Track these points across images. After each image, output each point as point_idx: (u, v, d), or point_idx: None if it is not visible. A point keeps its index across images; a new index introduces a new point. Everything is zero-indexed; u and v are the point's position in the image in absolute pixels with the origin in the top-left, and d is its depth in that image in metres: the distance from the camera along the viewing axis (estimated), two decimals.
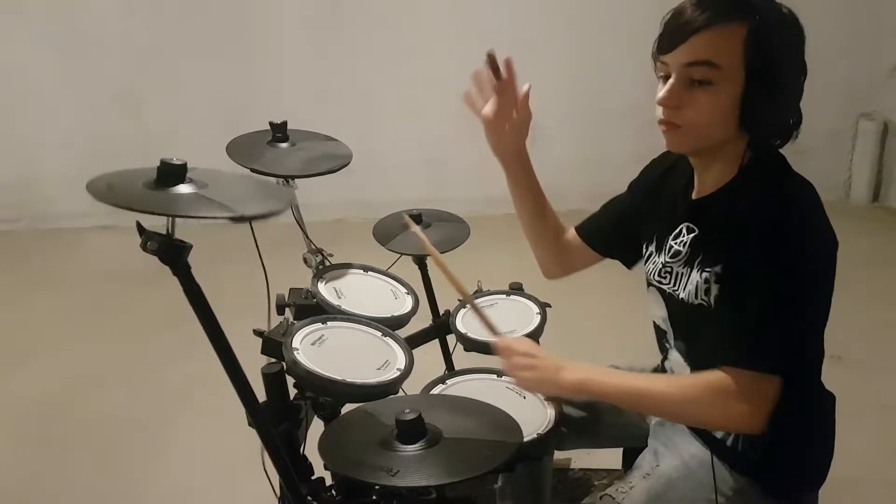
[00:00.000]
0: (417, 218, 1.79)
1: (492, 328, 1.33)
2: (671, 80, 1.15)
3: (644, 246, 1.39)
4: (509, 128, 1.33)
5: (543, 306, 1.68)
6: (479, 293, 1.75)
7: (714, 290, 1.18)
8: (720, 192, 1.21)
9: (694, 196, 1.27)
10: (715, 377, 1.11)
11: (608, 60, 3.94)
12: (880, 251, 3.59)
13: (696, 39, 1.11)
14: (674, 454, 1.34)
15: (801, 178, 1.18)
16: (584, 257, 1.54)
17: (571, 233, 1.56)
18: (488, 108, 1.34)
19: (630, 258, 1.47)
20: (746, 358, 1.10)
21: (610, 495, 1.29)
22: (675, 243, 1.29)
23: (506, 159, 1.40)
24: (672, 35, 1.14)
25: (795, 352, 1.11)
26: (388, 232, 1.77)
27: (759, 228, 1.10)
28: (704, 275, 1.20)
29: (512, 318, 1.64)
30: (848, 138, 4.30)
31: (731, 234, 1.14)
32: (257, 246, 1.20)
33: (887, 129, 4.21)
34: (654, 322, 1.38)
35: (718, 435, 1.29)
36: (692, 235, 1.26)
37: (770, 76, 1.10)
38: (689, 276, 1.24)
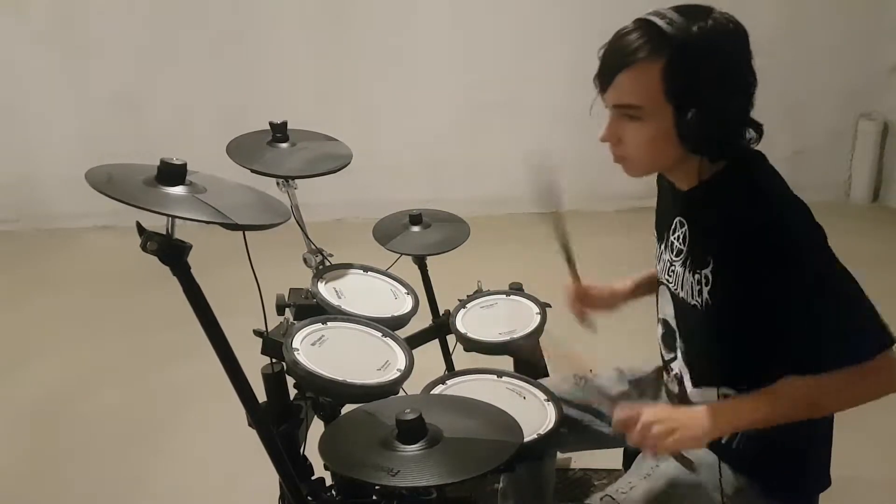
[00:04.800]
0: (417, 218, 1.79)
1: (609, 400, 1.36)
2: (608, 119, 1.19)
3: (657, 245, 1.40)
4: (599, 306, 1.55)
5: (543, 306, 1.68)
6: (479, 293, 1.75)
7: (705, 293, 1.19)
8: (700, 187, 1.21)
9: (678, 189, 1.28)
10: (825, 381, 1.10)
11: None
12: (880, 251, 3.58)
13: (616, 82, 1.13)
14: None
15: (774, 172, 1.19)
16: None
17: None
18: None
19: None
20: (842, 355, 1.09)
21: (610, 495, 1.29)
22: (674, 238, 1.31)
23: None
24: (598, 78, 1.17)
25: (878, 323, 1.10)
26: (388, 232, 1.77)
27: (754, 235, 1.10)
28: (696, 276, 1.21)
29: (512, 318, 1.64)
30: (848, 138, 4.29)
31: (714, 237, 1.16)
32: (249, 256, 1.20)
33: (887, 129, 4.21)
34: (665, 319, 1.38)
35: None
36: (683, 230, 1.28)
37: (700, 99, 1.09)
38: (684, 276, 1.26)
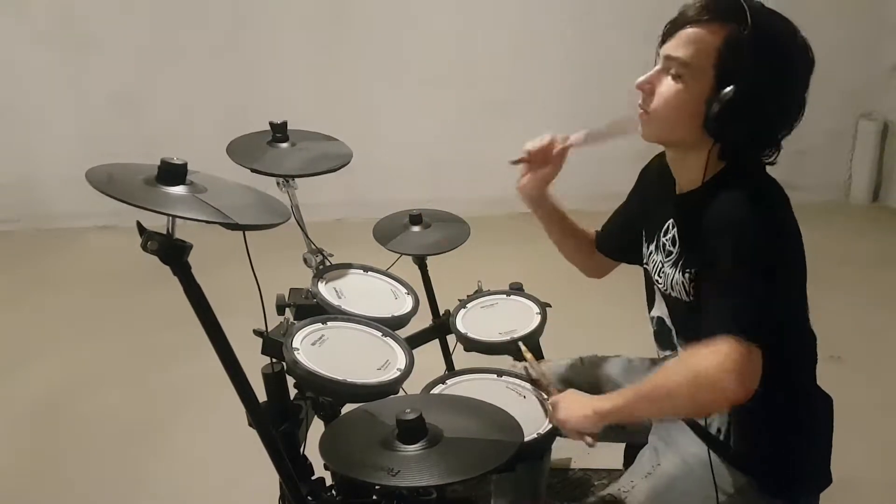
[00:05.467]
0: (417, 218, 1.79)
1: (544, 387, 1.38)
2: (654, 68, 1.19)
3: (645, 245, 1.40)
4: (536, 177, 1.48)
5: (543, 306, 1.68)
6: (479, 293, 1.75)
7: (691, 289, 1.21)
8: (696, 191, 1.22)
9: (676, 191, 1.30)
10: (700, 352, 1.10)
11: (609, 60, 3.94)
12: (880, 251, 3.58)
13: (679, 35, 1.15)
14: (675, 452, 1.34)
15: (770, 179, 1.19)
16: (609, 263, 1.60)
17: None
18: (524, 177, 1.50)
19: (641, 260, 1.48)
20: (724, 327, 1.08)
21: (611, 494, 1.29)
22: (666, 240, 1.31)
23: (527, 201, 1.53)
24: (666, 29, 1.18)
25: (769, 323, 1.09)
26: (388, 232, 1.77)
27: (722, 230, 1.12)
28: (687, 274, 1.23)
29: (512, 318, 1.64)
30: (848, 138, 4.30)
31: (701, 238, 1.16)
32: (249, 256, 1.20)
33: (887, 129, 4.21)
34: (660, 319, 1.38)
35: (717, 432, 1.29)
36: (674, 231, 1.28)
37: (743, 83, 1.09)
38: (674, 276, 1.27)
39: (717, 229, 1.13)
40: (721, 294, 1.11)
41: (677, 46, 1.15)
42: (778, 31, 1.12)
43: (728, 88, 1.10)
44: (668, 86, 1.16)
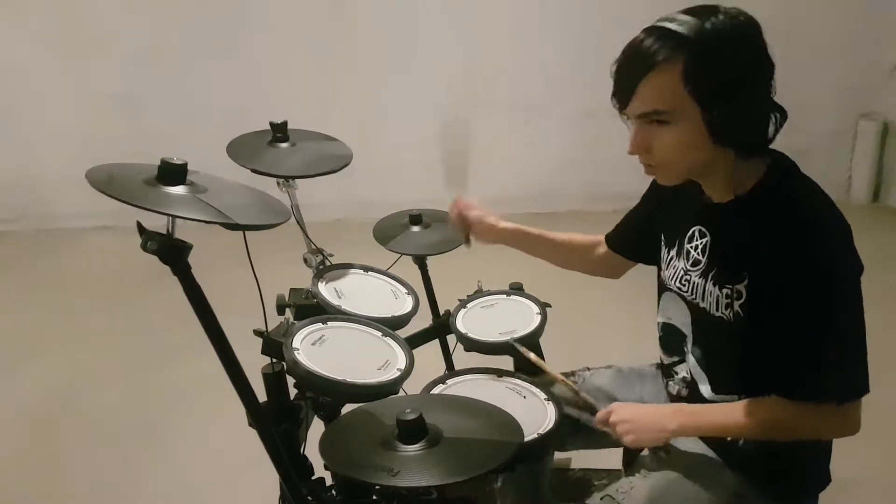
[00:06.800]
0: (417, 218, 1.79)
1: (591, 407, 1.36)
2: (633, 130, 1.17)
3: (665, 250, 1.39)
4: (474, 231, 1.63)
5: (543, 306, 1.68)
6: (479, 293, 1.75)
7: (736, 306, 1.19)
8: (734, 201, 1.21)
9: (706, 200, 1.27)
10: (799, 409, 1.15)
11: (609, 61, 3.92)
12: (880, 251, 3.58)
13: (638, 92, 1.12)
14: (675, 453, 1.33)
15: (816, 189, 1.19)
16: (624, 262, 1.58)
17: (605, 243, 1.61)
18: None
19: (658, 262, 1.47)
20: (827, 391, 1.13)
21: (610, 495, 1.29)
22: (690, 247, 1.29)
23: (489, 242, 1.63)
24: (617, 94, 1.16)
25: (865, 372, 1.15)
26: (388, 232, 1.77)
27: (793, 256, 1.10)
28: (725, 290, 1.20)
29: (512, 318, 1.64)
30: (848, 138, 4.29)
31: (754, 255, 1.15)
32: (249, 256, 1.20)
33: (887, 129, 4.21)
34: (670, 324, 1.37)
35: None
36: (704, 240, 1.26)
37: (724, 92, 1.08)
38: (706, 287, 1.25)
39: (792, 261, 1.10)
40: (810, 353, 1.13)
41: (645, 102, 1.12)
42: (712, 25, 1.09)
43: (718, 106, 1.09)
44: (661, 135, 1.14)
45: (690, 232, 1.30)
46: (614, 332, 2.89)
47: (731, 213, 1.21)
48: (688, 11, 1.11)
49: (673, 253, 1.35)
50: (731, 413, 1.20)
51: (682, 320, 1.34)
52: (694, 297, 1.28)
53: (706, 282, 1.24)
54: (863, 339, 1.14)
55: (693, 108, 1.10)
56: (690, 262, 1.29)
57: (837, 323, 1.12)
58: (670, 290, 1.35)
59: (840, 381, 1.14)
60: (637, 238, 1.51)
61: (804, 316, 1.11)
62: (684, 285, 1.30)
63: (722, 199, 1.23)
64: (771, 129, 1.16)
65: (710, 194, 1.25)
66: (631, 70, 1.13)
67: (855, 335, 1.14)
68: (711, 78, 1.08)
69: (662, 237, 1.40)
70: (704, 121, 1.10)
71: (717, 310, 1.22)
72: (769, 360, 1.16)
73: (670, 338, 1.37)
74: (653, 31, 1.12)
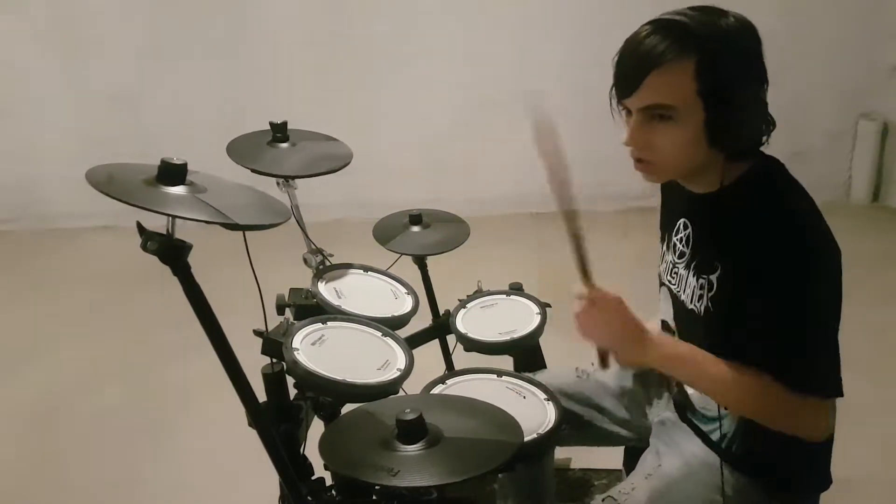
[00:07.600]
0: (417, 218, 1.79)
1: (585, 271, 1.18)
2: (633, 122, 1.15)
3: (661, 246, 1.40)
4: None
5: (543, 306, 1.68)
6: (479, 293, 1.75)
7: (706, 299, 1.19)
8: (714, 192, 1.20)
9: (688, 192, 1.27)
10: (775, 389, 1.11)
11: (610, 61, 3.93)
12: (880, 251, 3.58)
13: (646, 83, 1.10)
14: (676, 454, 1.34)
15: (799, 186, 1.18)
16: None
17: None
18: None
19: None
20: (801, 383, 1.10)
21: (612, 497, 1.29)
22: (677, 240, 1.30)
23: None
24: (623, 83, 1.14)
25: (838, 369, 1.12)
26: (388, 232, 1.77)
27: (767, 246, 1.10)
28: (701, 281, 1.21)
29: (512, 318, 1.64)
30: (848, 138, 4.29)
31: (729, 245, 1.14)
32: (249, 256, 1.20)
33: (887, 129, 4.21)
34: (665, 321, 1.38)
35: (716, 436, 1.29)
36: (687, 232, 1.27)
37: (728, 97, 1.08)
38: (687, 279, 1.25)
39: (766, 250, 1.10)
40: (779, 342, 1.11)
41: (652, 94, 1.11)
42: (726, 26, 1.09)
43: (723, 109, 1.08)
44: (662, 131, 1.13)
45: (677, 225, 1.31)
46: None
47: (710, 203, 1.20)
48: (697, 10, 1.11)
49: (664, 247, 1.36)
50: (717, 359, 1.16)
51: (670, 315, 1.34)
52: (679, 289, 1.29)
53: (689, 273, 1.25)
54: (835, 335, 1.12)
55: (698, 108, 1.10)
56: (677, 254, 1.30)
57: (817, 317, 1.10)
58: (664, 284, 1.36)
59: (818, 375, 1.11)
60: None
61: (784, 310, 1.10)
62: (673, 278, 1.31)
63: (706, 188, 1.23)
64: (763, 137, 1.16)
65: (692, 189, 1.25)
66: (639, 62, 1.11)
67: (832, 330, 1.12)
68: (722, 80, 1.08)
69: (659, 234, 1.41)
70: (705, 121, 1.10)
71: (691, 302, 1.23)
72: (740, 356, 1.14)
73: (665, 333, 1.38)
74: (661, 24, 1.11)
